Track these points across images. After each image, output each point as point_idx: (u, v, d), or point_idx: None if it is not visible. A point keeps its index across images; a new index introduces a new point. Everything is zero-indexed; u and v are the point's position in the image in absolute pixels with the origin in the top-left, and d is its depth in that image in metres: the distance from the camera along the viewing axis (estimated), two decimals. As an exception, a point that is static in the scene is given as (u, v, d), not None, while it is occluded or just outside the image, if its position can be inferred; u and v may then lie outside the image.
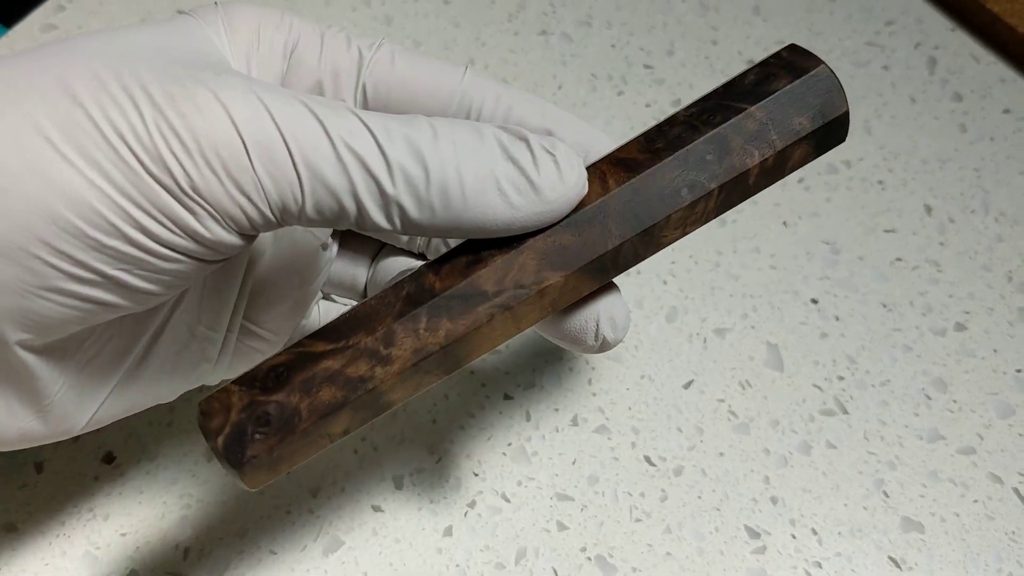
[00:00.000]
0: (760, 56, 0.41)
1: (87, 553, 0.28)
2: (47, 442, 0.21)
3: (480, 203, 0.18)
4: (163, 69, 0.17)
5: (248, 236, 0.18)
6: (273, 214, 0.18)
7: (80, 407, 0.21)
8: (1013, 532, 0.29)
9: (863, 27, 0.43)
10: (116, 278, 0.17)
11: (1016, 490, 0.30)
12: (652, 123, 0.39)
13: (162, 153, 0.16)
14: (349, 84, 0.21)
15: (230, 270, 0.24)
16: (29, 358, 0.19)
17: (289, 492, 0.30)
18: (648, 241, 0.20)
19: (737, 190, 0.20)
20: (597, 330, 0.21)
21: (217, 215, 0.17)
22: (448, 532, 0.29)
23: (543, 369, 0.32)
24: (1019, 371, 0.33)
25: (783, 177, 0.20)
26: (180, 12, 0.21)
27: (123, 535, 0.29)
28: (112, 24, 0.41)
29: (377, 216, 0.18)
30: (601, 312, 0.21)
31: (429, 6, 0.43)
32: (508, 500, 0.30)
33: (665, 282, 0.35)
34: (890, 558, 0.29)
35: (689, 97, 0.40)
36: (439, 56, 0.41)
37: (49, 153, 0.16)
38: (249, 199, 0.17)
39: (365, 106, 0.22)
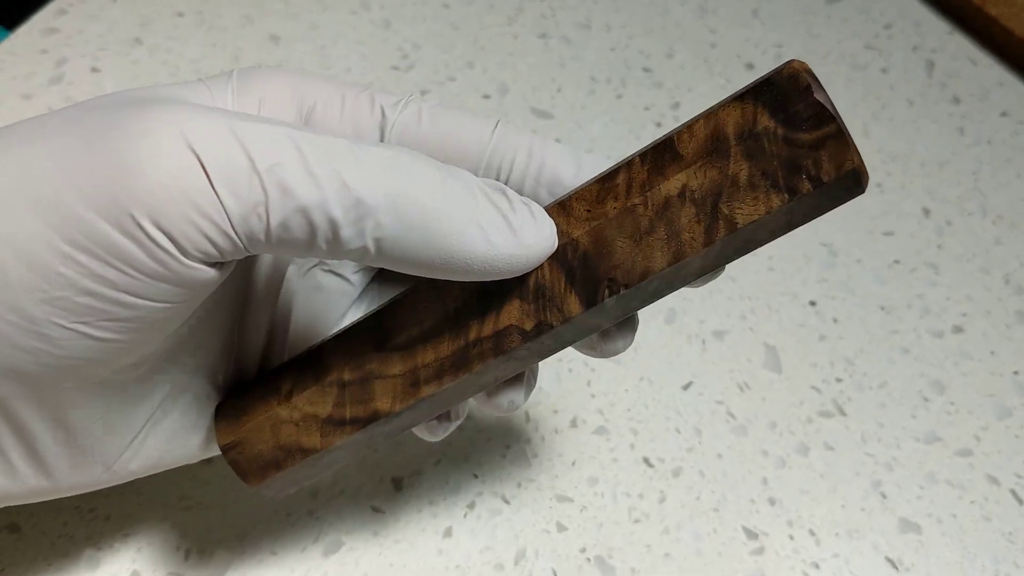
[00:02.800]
0: (758, 59, 0.42)
1: (89, 554, 0.29)
2: (60, 496, 0.21)
3: (459, 233, 0.17)
4: (123, 107, 0.17)
5: (212, 266, 0.17)
6: (238, 236, 0.17)
7: (91, 464, 0.21)
8: (1010, 533, 0.30)
9: (861, 30, 0.43)
10: (77, 331, 0.17)
11: (1013, 491, 0.30)
12: (651, 126, 0.39)
13: (109, 185, 0.16)
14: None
15: (255, 319, 0.23)
16: (22, 410, 0.18)
17: (289, 494, 0.30)
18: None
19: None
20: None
21: (175, 244, 0.16)
22: (448, 533, 0.29)
23: (542, 371, 0.33)
24: (1016, 373, 0.33)
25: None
26: (199, 80, 0.21)
27: (125, 536, 0.29)
28: (112, 28, 0.41)
29: (350, 234, 0.17)
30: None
31: (428, 10, 0.43)
32: (507, 501, 0.30)
33: (664, 284, 0.35)
34: (887, 559, 0.29)
35: (688, 100, 0.40)
36: (438, 59, 0.41)
37: None
38: (212, 221, 0.16)
39: None
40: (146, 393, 0.21)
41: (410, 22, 0.42)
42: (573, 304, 0.19)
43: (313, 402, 0.22)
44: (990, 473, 0.31)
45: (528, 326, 0.19)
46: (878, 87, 0.41)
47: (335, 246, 0.17)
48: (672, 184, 0.18)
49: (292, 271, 0.24)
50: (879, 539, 0.30)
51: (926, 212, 0.37)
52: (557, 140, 0.25)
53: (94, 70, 0.40)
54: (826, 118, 0.16)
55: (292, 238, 0.17)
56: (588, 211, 0.19)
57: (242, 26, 0.42)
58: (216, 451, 0.24)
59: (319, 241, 0.17)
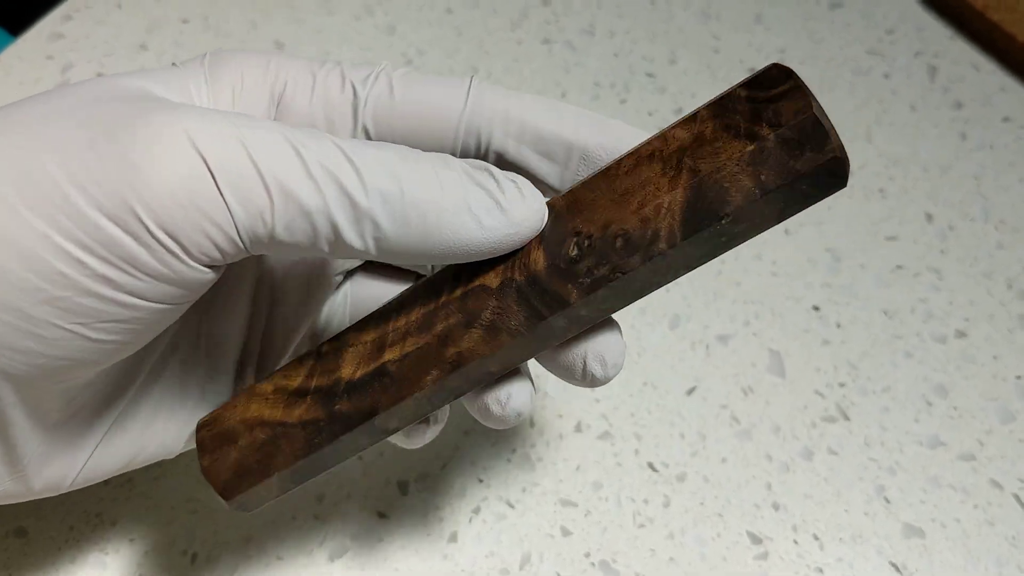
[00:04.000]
0: (761, 64, 0.42)
1: (96, 558, 0.29)
2: (32, 498, 0.21)
3: (453, 222, 0.18)
4: (128, 105, 0.17)
5: (214, 268, 0.18)
6: (242, 240, 0.17)
7: (63, 463, 0.21)
8: (1013, 537, 0.30)
9: (864, 35, 0.43)
10: (74, 331, 0.17)
11: (1016, 496, 0.31)
12: (655, 131, 0.39)
13: (118, 188, 0.16)
14: (346, 126, 0.21)
15: (230, 312, 0.23)
16: (3, 411, 0.18)
17: (295, 498, 0.30)
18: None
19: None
20: (584, 367, 0.20)
21: (181, 248, 0.16)
22: (453, 538, 0.29)
23: (547, 375, 0.33)
24: (1019, 377, 0.33)
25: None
26: (173, 64, 0.21)
27: (131, 540, 0.29)
28: (117, 33, 0.42)
29: (351, 235, 0.17)
30: (589, 350, 0.20)
31: (432, 15, 0.43)
32: (513, 506, 0.30)
33: (668, 289, 0.35)
34: (891, 563, 0.29)
35: (691, 105, 0.40)
36: (442, 64, 0.41)
37: None
38: (218, 227, 0.16)
39: None
40: (118, 388, 0.21)
41: (414, 27, 0.43)
42: (539, 259, 0.19)
43: (287, 375, 0.22)
44: (993, 477, 0.31)
45: (494, 284, 0.19)
46: (880, 92, 0.41)
47: (336, 246, 0.18)
48: (644, 148, 0.19)
49: (270, 262, 0.24)
50: (883, 543, 0.30)
51: (929, 217, 0.37)
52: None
53: (100, 76, 0.40)
54: (784, 76, 0.17)
55: (294, 241, 0.17)
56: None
57: (247, 31, 0.42)
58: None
59: (320, 243, 0.17)
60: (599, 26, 0.43)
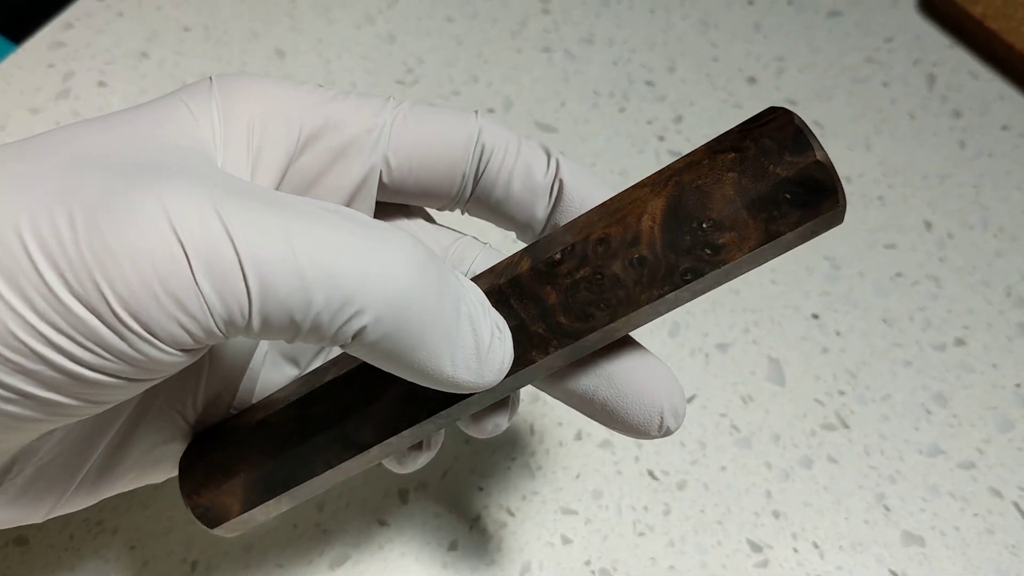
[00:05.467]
0: (760, 73, 0.42)
1: (96, 567, 0.29)
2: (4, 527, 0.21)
3: (432, 358, 0.17)
4: (114, 178, 0.16)
5: (190, 351, 0.17)
6: (219, 330, 0.16)
7: (38, 504, 0.20)
8: (1013, 546, 0.30)
9: (862, 44, 0.43)
10: (38, 396, 0.16)
11: (1016, 504, 0.31)
12: (654, 139, 0.39)
13: (92, 275, 0.15)
14: (363, 156, 0.21)
15: (228, 354, 0.23)
16: None
17: (296, 507, 0.30)
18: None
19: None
20: (662, 423, 0.20)
21: (154, 335, 0.15)
22: (453, 546, 0.29)
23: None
24: (1018, 386, 0.33)
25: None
26: (172, 94, 0.20)
27: (131, 548, 0.29)
28: (118, 42, 0.42)
29: (330, 333, 0.16)
30: (665, 406, 0.20)
31: (432, 24, 0.43)
32: (513, 514, 0.30)
33: (667, 297, 0.35)
34: (891, 571, 0.29)
35: (690, 113, 0.40)
36: (442, 73, 0.41)
37: None
38: (191, 316, 0.15)
39: (389, 174, 0.21)
40: (102, 427, 0.21)
41: (415, 36, 0.43)
42: (524, 264, 0.19)
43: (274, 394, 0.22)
44: (993, 486, 0.31)
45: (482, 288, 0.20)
46: (879, 101, 0.41)
47: (313, 338, 0.17)
48: (642, 180, 0.19)
49: None
50: (882, 552, 0.30)
51: (927, 225, 0.37)
52: (562, 152, 0.25)
53: (101, 84, 0.40)
54: (780, 111, 0.17)
55: (272, 331, 0.16)
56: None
57: (248, 40, 0.42)
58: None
59: (300, 335, 0.16)
60: (598, 35, 0.43)
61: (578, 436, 0.32)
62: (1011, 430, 0.32)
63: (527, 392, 0.32)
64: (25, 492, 0.20)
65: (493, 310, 0.19)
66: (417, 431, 0.21)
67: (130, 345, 0.15)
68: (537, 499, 0.30)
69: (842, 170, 0.39)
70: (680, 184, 0.17)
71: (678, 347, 0.34)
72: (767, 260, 0.18)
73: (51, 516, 0.21)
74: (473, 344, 0.18)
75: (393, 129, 0.21)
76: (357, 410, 0.20)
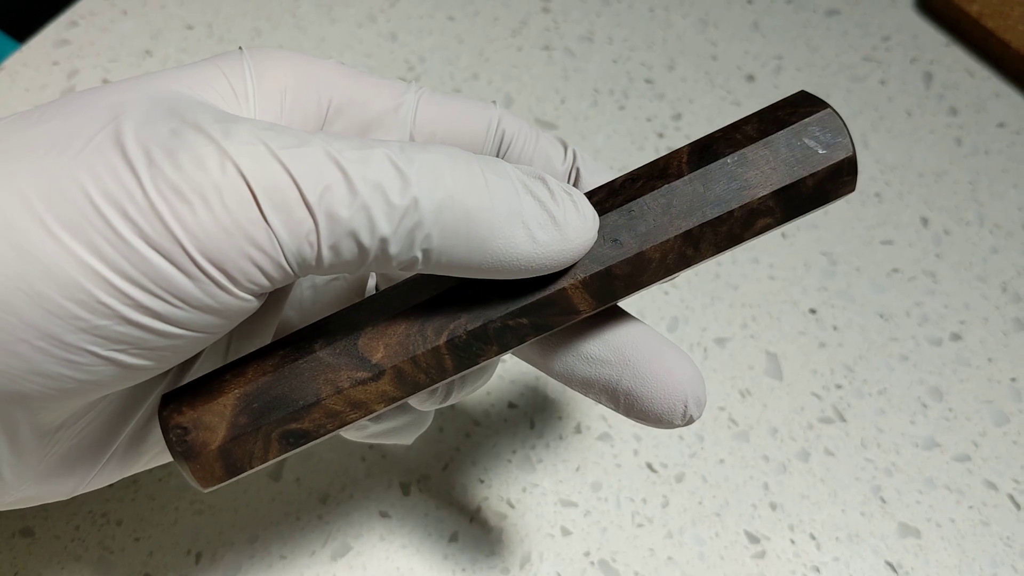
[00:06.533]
0: (758, 71, 0.42)
1: (101, 557, 0.29)
2: (33, 504, 0.21)
3: (505, 235, 0.17)
4: (164, 123, 0.16)
5: (259, 296, 0.17)
6: (290, 266, 0.16)
7: (69, 477, 0.20)
8: (1008, 537, 0.30)
9: (860, 42, 0.43)
10: (110, 358, 0.16)
11: (1011, 496, 0.31)
12: (653, 137, 0.40)
13: (164, 218, 0.15)
14: (390, 134, 0.21)
15: (261, 325, 0.23)
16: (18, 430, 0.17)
17: (298, 498, 0.30)
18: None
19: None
20: (685, 411, 0.20)
21: (228, 277, 0.16)
22: (454, 538, 0.30)
23: (546, 377, 0.33)
24: (1014, 380, 0.33)
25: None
26: (204, 60, 0.20)
27: (136, 540, 0.29)
28: (122, 40, 0.42)
29: (399, 251, 0.17)
30: (689, 394, 0.20)
31: (434, 22, 0.44)
32: (513, 506, 0.30)
33: (666, 293, 0.35)
34: (887, 563, 0.30)
35: (689, 111, 0.41)
36: (443, 71, 0.42)
37: (35, 230, 0.15)
38: (264, 253, 0.16)
39: None
40: (136, 399, 0.21)
41: (416, 35, 0.43)
42: None
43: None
44: (988, 478, 0.31)
45: None
46: (876, 98, 0.41)
47: (383, 262, 0.17)
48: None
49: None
50: (879, 543, 0.30)
51: (924, 221, 0.38)
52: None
53: (105, 82, 0.41)
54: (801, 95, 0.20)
55: (343, 261, 0.17)
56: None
57: (251, 39, 0.42)
58: None
59: (369, 260, 0.17)
60: (598, 33, 0.44)
61: (578, 430, 0.32)
62: (1006, 423, 0.32)
63: (527, 386, 0.33)
64: (59, 466, 0.20)
65: (551, 177, 0.19)
66: (432, 358, 0.19)
67: (204, 291, 0.16)
68: (537, 491, 0.31)
69: (840, 167, 0.39)
70: (709, 137, 0.20)
71: (677, 341, 0.34)
72: (789, 220, 0.20)
73: (77, 492, 0.21)
74: (541, 208, 0.18)
75: (418, 109, 0.21)
76: (372, 325, 0.19)
